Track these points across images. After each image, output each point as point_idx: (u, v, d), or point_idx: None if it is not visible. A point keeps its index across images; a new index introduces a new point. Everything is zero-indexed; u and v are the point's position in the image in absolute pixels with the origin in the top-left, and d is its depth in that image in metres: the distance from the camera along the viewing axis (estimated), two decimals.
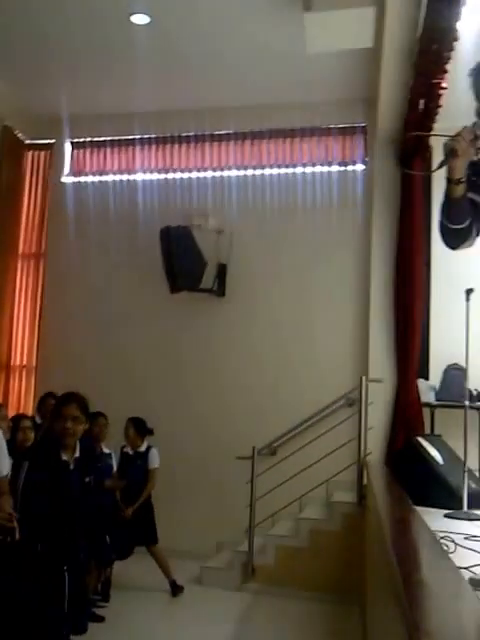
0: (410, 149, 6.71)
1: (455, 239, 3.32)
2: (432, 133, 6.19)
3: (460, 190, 3.12)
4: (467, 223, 3.20)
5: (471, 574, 2.84)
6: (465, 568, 2.94)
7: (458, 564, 3.01)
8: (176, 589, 6.25)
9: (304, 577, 6.20)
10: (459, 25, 4.55)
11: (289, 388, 7.59)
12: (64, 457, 4.01)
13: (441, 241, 3.42)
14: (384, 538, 2.89)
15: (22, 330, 8.63)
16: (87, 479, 4.15)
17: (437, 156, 6.41)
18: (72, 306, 8.35)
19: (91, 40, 6.73)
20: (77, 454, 4.08)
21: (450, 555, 3.17)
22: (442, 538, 3.51)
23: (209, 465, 7.64)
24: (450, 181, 3.11)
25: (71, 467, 4.02)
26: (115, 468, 6.26)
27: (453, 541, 3.43)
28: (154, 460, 6.49)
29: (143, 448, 6.50)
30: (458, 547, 3.33)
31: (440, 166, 3.23)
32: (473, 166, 3.16)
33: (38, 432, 5.77)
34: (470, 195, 3.19)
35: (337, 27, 5.61)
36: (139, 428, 6.48)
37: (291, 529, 6.65)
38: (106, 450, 6.21)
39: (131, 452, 6.46)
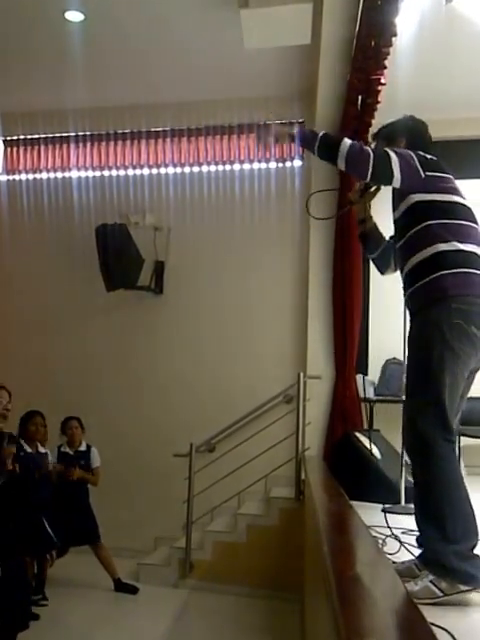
0: None
1: (379, 267, 3.78)
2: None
3: (366, 226, 3.69)
4: (379, 252, 3.68)
5: (397, 565, 2.85)
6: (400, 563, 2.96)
7: (395, 559, 3.03)
8: (124, 587, 6.22)
9: (242, 573, 6.20)
10: (397, 20, 4.55)
11: (227, 385, 7.58)
12: None
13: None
14: (319, 533, 2.88)
15: None
16: None
17: None
18: (7, 305, 8.19)
19: (24, 37, 6.56)
20: None
21: (388, 551, 3.19)
22: (390, 536, 3.53)
23: (147, 461, 7.58)
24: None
25: None
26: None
27: (396, 537, 3.45)
28: (97, 458, 6.49)
29: (83, 447, 6.47)
30: (396, 543, 3.35)
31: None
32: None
33: None
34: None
35: (274, 23, 5.58)
36: (82, 427, 6.50)
37: (229, 524, 6.63)
38: (42, 449, 6.11)
39: (71, 452, 6.40)
